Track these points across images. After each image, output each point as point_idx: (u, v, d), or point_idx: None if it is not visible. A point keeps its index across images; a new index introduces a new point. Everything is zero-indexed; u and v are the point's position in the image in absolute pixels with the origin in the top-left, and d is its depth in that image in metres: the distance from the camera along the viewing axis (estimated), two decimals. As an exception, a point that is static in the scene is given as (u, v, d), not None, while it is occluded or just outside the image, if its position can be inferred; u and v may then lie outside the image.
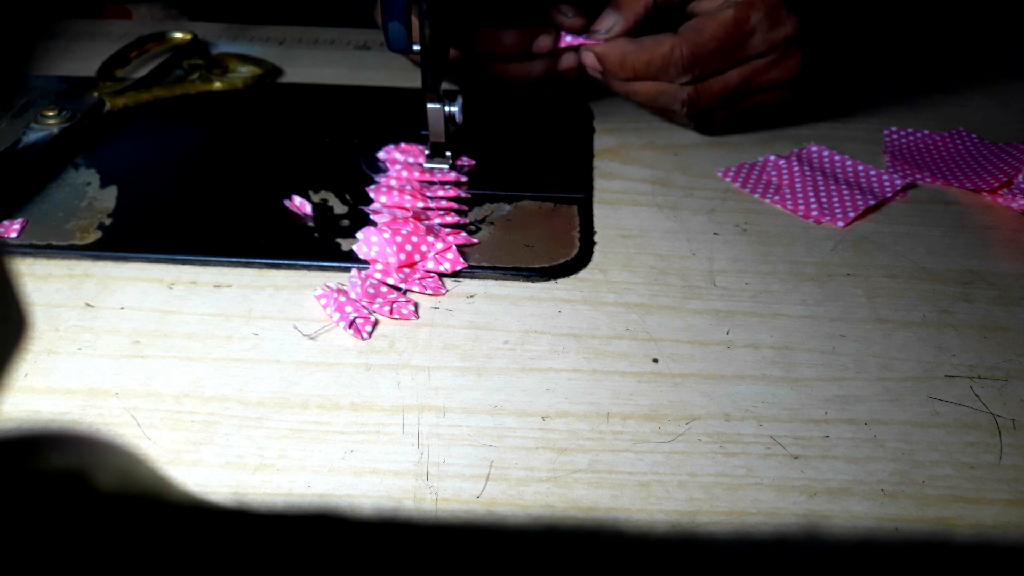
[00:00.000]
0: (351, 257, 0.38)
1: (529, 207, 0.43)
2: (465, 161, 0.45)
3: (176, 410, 0.31)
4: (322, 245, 0.39)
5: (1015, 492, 0.28)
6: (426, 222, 0.39)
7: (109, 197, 0.42)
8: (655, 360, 0.33)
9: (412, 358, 0.33)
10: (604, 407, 0.31)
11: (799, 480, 0.28)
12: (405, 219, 0.39)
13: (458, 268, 0.37)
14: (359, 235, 0.38)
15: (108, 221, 0.40)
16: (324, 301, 0.35)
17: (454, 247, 0.38)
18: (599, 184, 0.45)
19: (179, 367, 0.32)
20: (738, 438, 0.30)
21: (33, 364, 0.32)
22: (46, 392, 0.31)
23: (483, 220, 0.41)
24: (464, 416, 0.31)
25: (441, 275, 0.37)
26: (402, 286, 0.36)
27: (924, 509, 0.28)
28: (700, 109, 0.46)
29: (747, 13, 0.43)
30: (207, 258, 0.38)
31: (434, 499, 0.28)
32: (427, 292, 0.36)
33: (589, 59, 0.46)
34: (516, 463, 0.29)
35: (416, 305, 0.36)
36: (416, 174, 0.44)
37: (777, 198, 0.44)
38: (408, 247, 0.37)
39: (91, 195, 0.42)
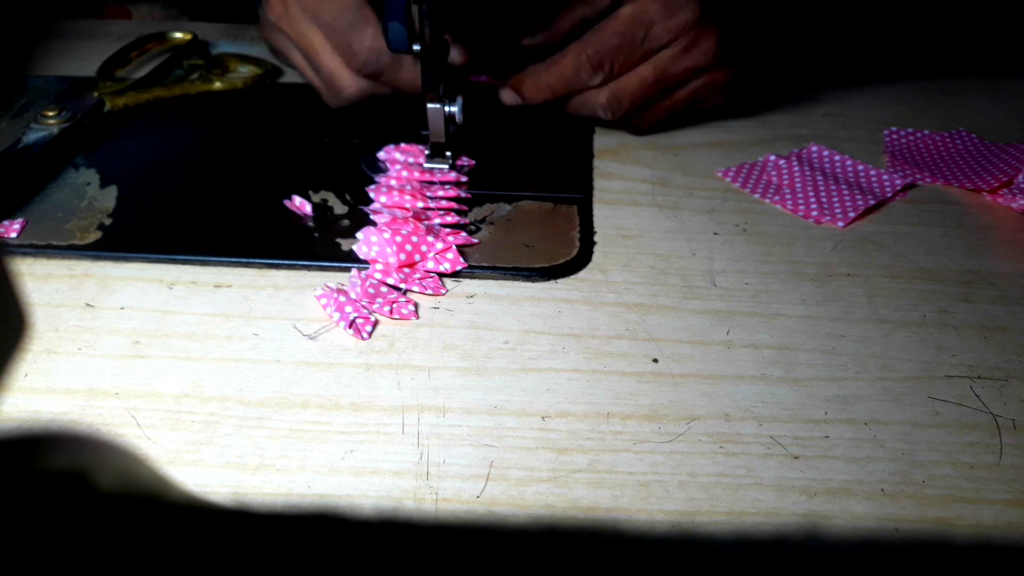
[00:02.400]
0: (351, 257, 0.38)
1: (529, 207, 0.43)
2: (465, 161, 0.45)
3: (176, 410, 0.31)
4: (322, 245, 0.39)
5: (1015, 492, 0.28)
6: (426, 222, 0.39)
7: (109, 197, 0.42)
8: (655, 360, 0.33)
9: (412, 358, 0.33)
10: (604, 407, 0.31)
11: (799, 480, 0.28)
12: (405, 219, 0.39)
13: (458, 268, 0.37)
14: (359, 235, 0.38)
15: (108, 221, 0.40)
16: (324, 301, 0.35)
17: (454, 247, 0.38)
18: (599, 184, 0.45)
19: (179, 367, 0.32)
20: (738, 438, 0.30)
21: (33, 364, 0.32)
22: (46, 392, 0.31)
23: (483, 220, 0.41)
24: (464, 416, 0.31)
25: (441, 275, 0.37)
26: (402, 286, 0.36)
27: (924, 509, 0.28)
28: (625, 112, 0.46)
29: (644, 6, 0.44)
30: (207, 258, 0.38)
31: (434, 499, 0.28)
32: (427, 292, 0.36)
33: (508, 96, 0.46)
34: (516, 463, 0.29)
35: (416, 305, 0.36)
36: (416, 174, 0.44)
37: (777, 198, 0.44)
38: (408, 247, 0.37)
39: (91, 195, 0.42)
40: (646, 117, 0.47)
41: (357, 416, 0.30)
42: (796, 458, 0.29)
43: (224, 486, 0.28)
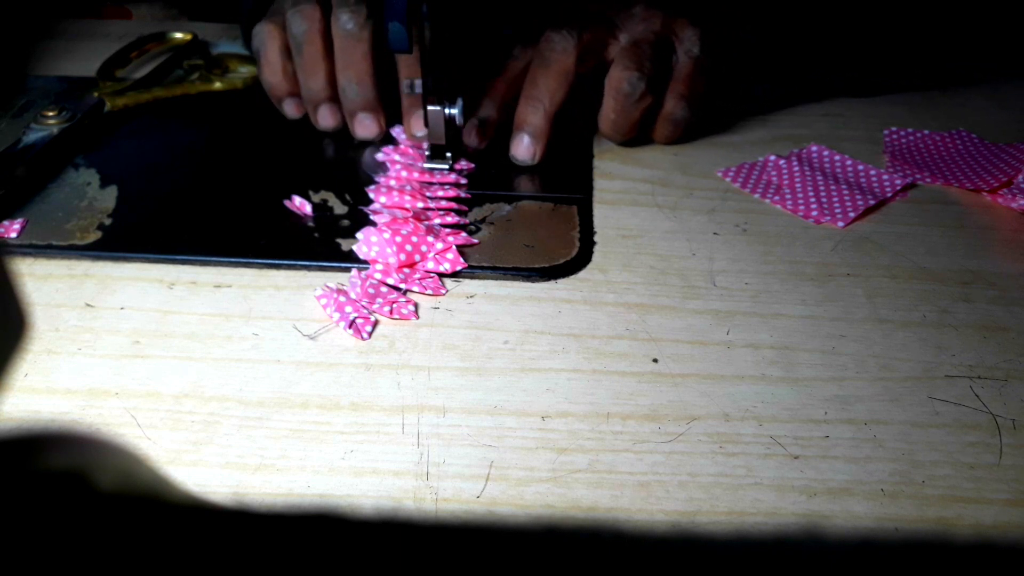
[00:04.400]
0: (351, 257, 0.38)
1: (529, 207, 0.43)
2: (464, 164, 0.45)
3: (176, 410, 0.31)
4: (322, 245, 0.39)
5: (1015, 492, 0.28)
6: (426, 222, 0.39)
7: (109, 197, 0.42)
8: (655, 360, 0.33)
9: (412, 358, 0.33)
10: (604, 407, 0.31)
11: (799, 480, 0.28)
12: (405, 219, 0.39)
13: (458, 268, 0.37)
14: (359, 235, 0.38)
15: (108, 221, 0.40)
16: (324, 301, 0.35)
17: (454, 247, 0.38)
18: (599, 184, 0.45)
19: (179, 367, 0.32)
20: (738, 438, 0.30)
21: (33, 364, 0.32)
22: (46, 392, 0.31)
23: (483, 220, 0.41)
24: (464, 416, 0.31)
25: (441, 275, 0.37)
26: (402, 286, 0.36)
27: (924, 509, 0.28)
28: (698, 97, 0.46)
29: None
30: (207, 258, 0.38)
31: (434, 499, 0.28)
32: (427, 292, 0.36)
33: (524, 151, 0.45)
34: (516, 463, 0.29)
35: (416, 305, 0.36)
36: (415, 174, 0.44)
37: (777, 198, 0.44)
38: (408, 247, 0.37)
39: (91, 195, 0.42)
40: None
41: (357, 416, 0.30)
42: (796, 458, 0.29)
43: (224, 486, 0.28)
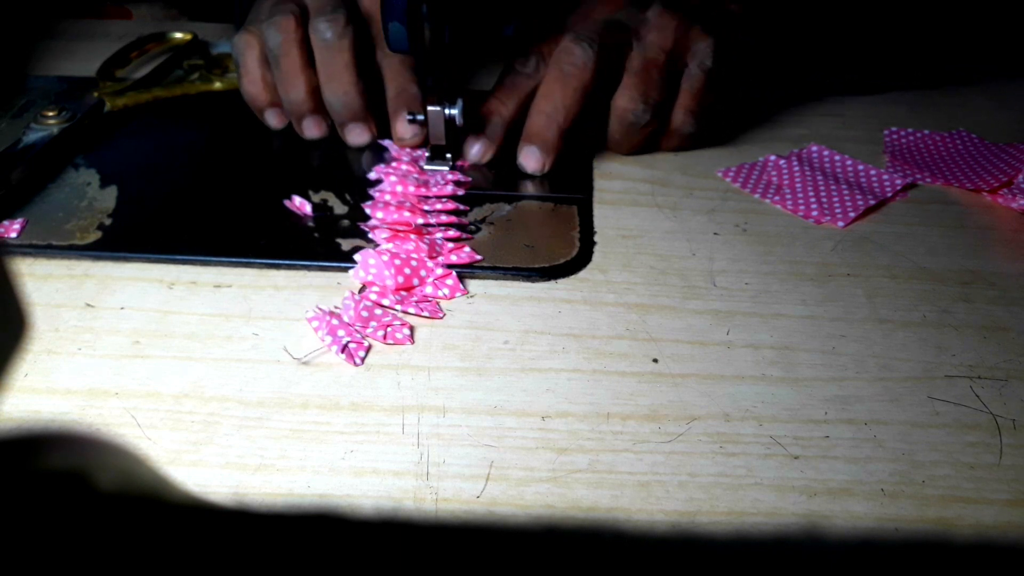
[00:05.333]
0: (351, 257, 0.38)
1: (529, 207, 0.43)
2: (461, 177, 0.44)
3: (176, 410, 0.31)
4: (322, 245, 0.39)
5: (1015, 492, 0.28)
6: (428, 236, 0.39)
7: (109, 197, 0.42)
8: (655, 360, 0.33)
9: (412, 358, 0.33)
10: (604, 407, 0.31)
11: (799, 480, 0.28)
12: (407, 235, 0.38)
13: (457, 295, 0.37)
14: (357, 258, 0.37)
15: (108, 221, 0.40)
16: (316, 324, 0.34)
17: (454, 274, 0.37)
18: (599, 184, 0.45)
19: (179, 367, 0.32)
20: (738, 438, 0.30)
21: (33, 364, 0.32)
22: (46, 392, 0.31)
23: (483, 220, 0.41)
24: (464, 416, 0.31)
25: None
26: (398, 307, 0.35)
27: (924, 509, 0.28)
28: (703, 109, 0.45)
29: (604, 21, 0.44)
30: (207, 258, 0.38)
31: (434, 499, 0.28)
32: (423, 315, 0.35)
33: (534, 163, 0.44)
34: (516, 463, 0.29)
35: (412, 329, 0.34)
36: (411, 188, 0.43)
37: (777, 198, 0.44)
38: (407, 270, 0.36)
39: (91, 195, 0.42)
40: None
41: (357, 416, 0.30)
42: (796, 458, 0.29)
43: (224, 486, 0.28)
